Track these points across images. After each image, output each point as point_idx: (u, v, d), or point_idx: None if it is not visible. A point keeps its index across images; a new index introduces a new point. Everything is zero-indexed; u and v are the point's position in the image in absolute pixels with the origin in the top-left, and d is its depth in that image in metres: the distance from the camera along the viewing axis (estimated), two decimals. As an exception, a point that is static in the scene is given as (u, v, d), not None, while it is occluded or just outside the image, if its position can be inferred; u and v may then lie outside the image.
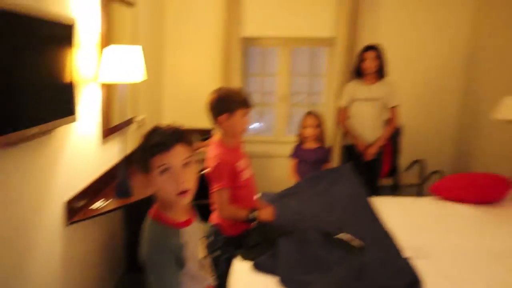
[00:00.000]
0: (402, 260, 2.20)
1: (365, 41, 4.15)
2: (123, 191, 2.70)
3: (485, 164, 4.21)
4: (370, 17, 4.45)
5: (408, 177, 4.59)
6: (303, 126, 3.45)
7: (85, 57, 2.53)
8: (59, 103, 2.15)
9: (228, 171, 2.24)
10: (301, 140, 3.51)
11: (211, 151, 2.32)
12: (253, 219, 2.31)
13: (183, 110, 4.65)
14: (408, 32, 4.56)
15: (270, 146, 4.86)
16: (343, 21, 4.33)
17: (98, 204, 2.58)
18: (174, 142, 1.41)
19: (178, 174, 1.40)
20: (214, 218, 2.41)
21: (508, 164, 3.72)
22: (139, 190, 2.72)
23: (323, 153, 3.47)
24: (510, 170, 3.55)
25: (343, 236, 2.37)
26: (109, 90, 2.85)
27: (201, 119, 4.52)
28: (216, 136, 2.36)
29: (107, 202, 2.61)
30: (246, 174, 2.38)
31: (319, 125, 3.41)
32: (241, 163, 2.35)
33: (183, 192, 1.42)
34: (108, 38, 2.75)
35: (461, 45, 4.60)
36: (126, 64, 2.53)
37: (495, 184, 2.96)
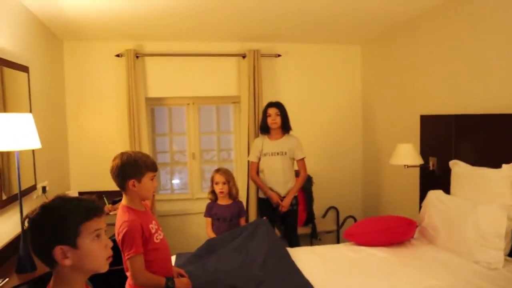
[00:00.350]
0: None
1: (267, 97, 4.32)
2: (25, 266, 2.43)
3: (390, 206, 4.46)
4: (270, 76, 4.68)
5: (325, 224, 4.70)
6: (213, 183, 3.43)
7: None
8: None
9: (139, 236, 2.12)
10: (214, 197, 3.47)
11: (119, 217, 2.19)
12: (171, 286, 2.18)
13: (91, 173, 4.41)
14: (306, 87, 4.85)
15: (186, 204, 4.77)
16: (245, 80, 4.49)
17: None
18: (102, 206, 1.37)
19: (106, 238, 1.35)
20: (130, 284, 2.24)
21: (409, 205, 3.98)
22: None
23: (237, 208, 3.45)
24: (412, 210, 3.79)
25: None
26: (3, 158, 2.62)
27: (110, 181, 4.34)
28: (123, 200, 2.24)
29: (5, 281, 2.33)
30: (159, 236, 2.27)
31: (229, 181, 3.41)
32: (153, 225, 2.24)
33: (109, 258, 1.36)
34: (5, 105, 2.56)
35: (355, 96, 4.99)
36: (17, 132, 2.37)
37: (401, 225, 3.11)
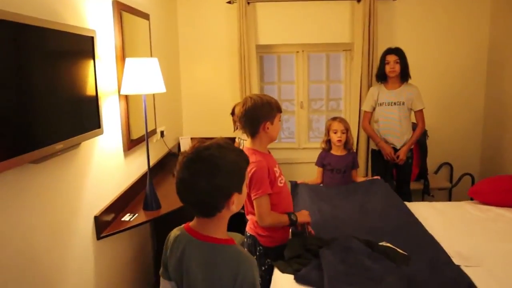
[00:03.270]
0: (453, 268, 2.06)
1: (382, 45, 4.04)
2: (151, 204, 2.60)
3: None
4: (386, 20, 4.35)
5: (437, 180, 4.43)
6: (330, 131, 3.32)
7: (105, 70, 2.46)
8: (84, 117, 2.07)
9: (267, 176, 2.13)
10: (327, 146, 3.39)
11: None
12: (295, 222, 2.20)
13: (201, 120, 4.57)
14: (426, 33, 4.43)
15: (293, 153, 4.76)
16: (359, 26, 4.23)
17: (127, 218, 2.49)
18: None
19: None
20: (251, 227, 2.29)
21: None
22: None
23: (351, 159, 3.34)
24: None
25: (387, 245, 2.23)
26: (128, 103, 2.77)
27: (220, 129, 4.49)
28: (248, 143, 2.25)
29: (135, 216, 2.52)
30: (282, 180, 2.27)
31: (347, 129, 3.29)
32: (277, 169, 2.25)
33: None
34: (124, 51, 2.67)
35: (481, 42, 4.46)
36: (146, 76, 2.46)
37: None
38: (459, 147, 4.65)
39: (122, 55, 2.63)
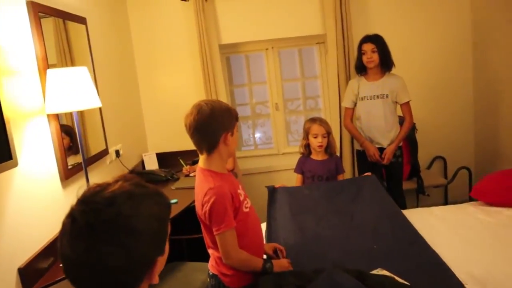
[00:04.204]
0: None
1: (358, 33, 3.64)
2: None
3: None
4: (360, 6, 3.95)
5: (431, 177, 4.03)
6: (309, 135, 2.90)
7: (24, 86, 2.00)
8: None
9: (230, 205, 1.70)
10: (306, 151, 2.97)
11: (201, 183, 1.75)
12: (269, 271, 1.77)
13: (167, 133, 4.10)
14: (405, 18, 4.02)
15: (272, 160, 4.34)
16: (331, 15, 3.81)
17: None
18: None
19: None
20: (213, 265, 1.85)
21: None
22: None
23: (334, 164, 2.93)
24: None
25: (381, 272, 1.81)
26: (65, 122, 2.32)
27: (187, 141, 4.03)
28: (202, 163, 1.81)
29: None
30: (247, 204, 1.84)
31: (329, 132, 2.88)
32: (240, 191, 1.82)
33: None
34: (48, 61, 2.22)
35: (464, 23, 4.08)
36: (74, 90, 2.02)
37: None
38: (450, 138, 4.26)
39: (46, 66, 2.17)
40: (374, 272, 1.84)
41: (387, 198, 2.56)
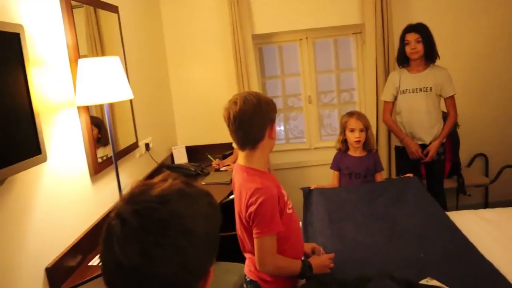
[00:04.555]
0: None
1: (399, 23, 3.46)
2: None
3: None
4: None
5: (472, 175, 3.81)
6: (346, 130, 2.75)
7: (54, 77, 1.92)
8: (12, 142, 1.53)
9: (277, 209, 1.57)
10: (344, 147, 2.82)
11: (246, 182, 1.61)
12: (308, 274, 1.64)
13: (197, 126, 4.02)
14: (451, 7, 3.79)
15: (304, 154, 4.19)
16: (371, 3, 3.61)
17: (97, 261, 1.96)
18: None
19: None
20: (251, 271, 1.74)
21: None
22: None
23: (373, 161, 2.77)
24: None
25: (431, 283, 1.66)
26: (94, 116, 2.24)
27: (218, 134, 3.95)
28: (242, 159, 1.69)
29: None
30: (290, 204, 1.72)
31: (367, 127, 2.72)
32: (284, 191, 1.70)
33: None
34: (79, 51, 2.13)
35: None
36: (105, 81, 1.92)
37: None
38: (493, 135, 4.03)
39: (77, 56, 2.09)
40: (423, 282, 1.70)
41: (433, 203, 2.38)
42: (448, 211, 3.16)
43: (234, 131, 1.61)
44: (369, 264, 1.86)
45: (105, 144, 2.35)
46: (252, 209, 1.54)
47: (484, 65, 3.88)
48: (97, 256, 2.00)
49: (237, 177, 1.69)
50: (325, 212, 2.42)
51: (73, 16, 2.08)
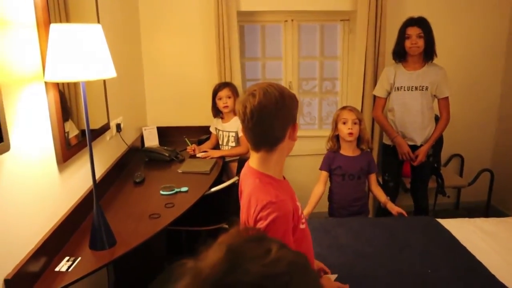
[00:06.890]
0: None
1: (391, 16, 3.31)
2: (100, 240, 1.77)
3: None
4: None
5: (448, 176, 3.73)
6: (338, 123, 2.55)
7: (18, 44, 1.57)
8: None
9: (291, 225, 1.34)
10: (336, 146, 2.61)
11: (257, 191, 1.35)
12: None
13: (169, 106, 3.70)
14: (442, 6, 3.65)
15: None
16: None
17: (64, 266, 1.67)
18: None
19: None
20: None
21: None
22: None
23: (367, 161, 2.59)
24: None
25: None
26: (68, 91, 1.90)
27: (192, 116, 3.65)
28: (254, 162, 1.43)
29: (77, 261, 1.70)
30: (303, 218, 1.49)
31: (360, 120, 2.53)
32: (298, 202, 1.47)
33: None
34: (49, 14, 1.77)
35: (501, 29, 3.76)
36: (84, 54, 1.59)
37: None
38: (471, 137, 3.99)
39: (47, 20, 1.73)
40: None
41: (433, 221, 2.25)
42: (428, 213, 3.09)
43: (250, 128, 1.34)
44: (375, 276, 1.70)
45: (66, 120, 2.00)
46: (262, 225, 1.30)
47: (468, 67, 3.82)
48: (65, 260, 1.70)
49: (247, 182, 1.43)
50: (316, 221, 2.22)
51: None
